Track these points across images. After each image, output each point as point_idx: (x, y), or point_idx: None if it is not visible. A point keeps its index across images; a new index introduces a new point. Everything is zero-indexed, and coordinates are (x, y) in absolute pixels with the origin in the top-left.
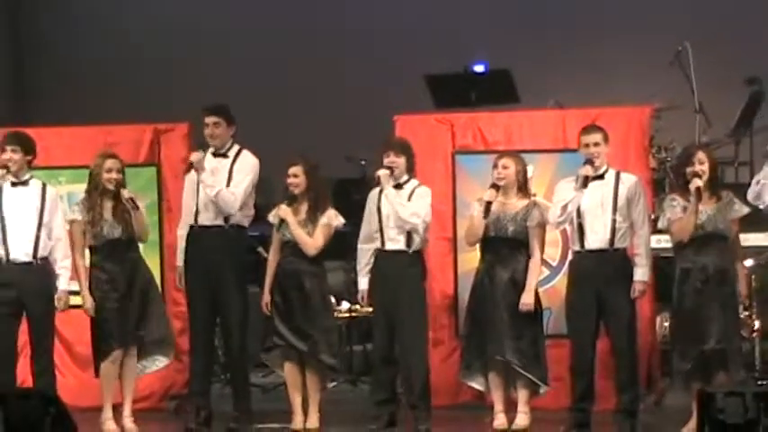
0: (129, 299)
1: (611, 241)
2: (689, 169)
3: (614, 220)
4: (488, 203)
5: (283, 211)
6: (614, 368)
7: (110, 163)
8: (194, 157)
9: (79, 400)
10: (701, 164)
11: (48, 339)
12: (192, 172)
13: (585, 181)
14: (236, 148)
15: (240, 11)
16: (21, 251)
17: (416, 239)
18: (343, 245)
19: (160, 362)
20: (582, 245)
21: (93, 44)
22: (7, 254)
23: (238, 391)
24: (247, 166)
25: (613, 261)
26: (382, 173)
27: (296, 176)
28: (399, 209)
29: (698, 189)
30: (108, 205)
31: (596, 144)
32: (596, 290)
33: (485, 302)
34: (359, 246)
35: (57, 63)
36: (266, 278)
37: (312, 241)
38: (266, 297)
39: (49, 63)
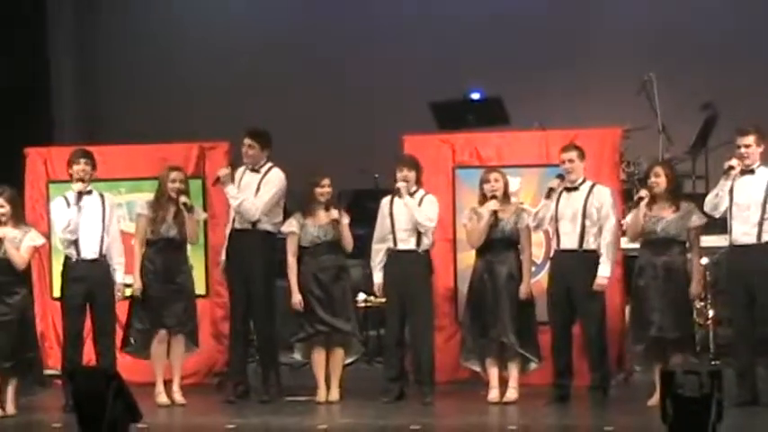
0: (168, 291)
1: (580, 243)
2: (648, 181)
3: (583, 225)
4: (495, 212)
5: (336, 214)
6: (586, 350)
7: (174, 174)
8: (221, 171)
9: (136, 376)
10: (657, 176)
11: (110, 324)
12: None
13: (550, 192)
14: (268, 165)
15: (271, 48)
16: (89, 250)
17: (425, 241)
18: (360, 246)
19: (190, 350)
20: (558, 245)
21: (150, 71)
22: (78, 252)
23: (269, 369)
24: (273, 180)
25: (582, 260)
26: (402, 185)
27: (330, 187)
28: (417, 214)
29: (640, 198)
30: (171, 209)
31: (570, 161)
32: (568, 284)
33: (486, 294)
34: (373, 246)
35: (119, 87)
36: (291, 279)
37: (350, 239)
38: (296, 296)
39: (113, 87)
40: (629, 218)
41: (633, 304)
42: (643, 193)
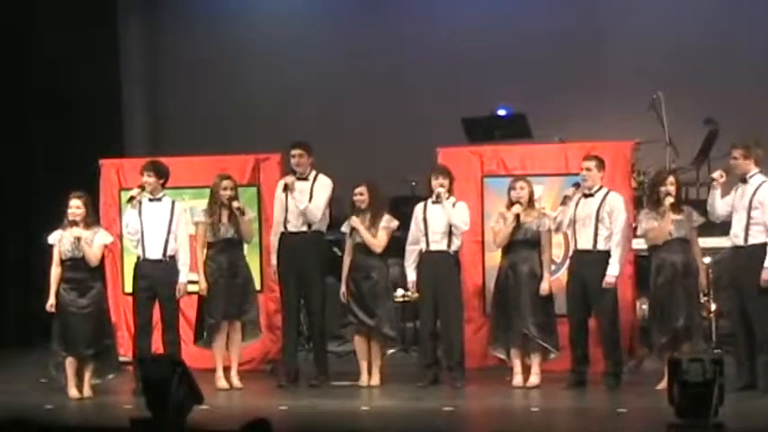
0: (233, 285)
1: (594, 243)
2: (662, 188)
3: (596, 228)
4: (518, 216)
5: (354, 221)
6: (600, 340)
7: (224, 182)
8: (289, 179)
9: (198, 363)
10: (672, 185)
11: (174, 318)
12: (281, 192)
13: (565, 199)
14: (314, 172)
15: (322, 67)
16: (154, 251)
17: (456, 242)
18: (398, 246)
19: (252, 339)
20: (576, 246)
21: (210, 92)
22: (144, 252)
23: (318, 357)
24: (324, 186)
25: (596, 259)
26: (442, 191)
27: (361, 194)
28: (453, 218)
29: (671, 204)
30: (225, 213)
31: (588, 169)
32: (583, 281)
33: (509, 290)
34: (407, 247)
35: (183, 104)
36: (342, 273)
37: (377, 241)
38: (343, 287)
39: (176, 105)
40: (646, 224)
41: (654, 300)
42: (670, 198)
